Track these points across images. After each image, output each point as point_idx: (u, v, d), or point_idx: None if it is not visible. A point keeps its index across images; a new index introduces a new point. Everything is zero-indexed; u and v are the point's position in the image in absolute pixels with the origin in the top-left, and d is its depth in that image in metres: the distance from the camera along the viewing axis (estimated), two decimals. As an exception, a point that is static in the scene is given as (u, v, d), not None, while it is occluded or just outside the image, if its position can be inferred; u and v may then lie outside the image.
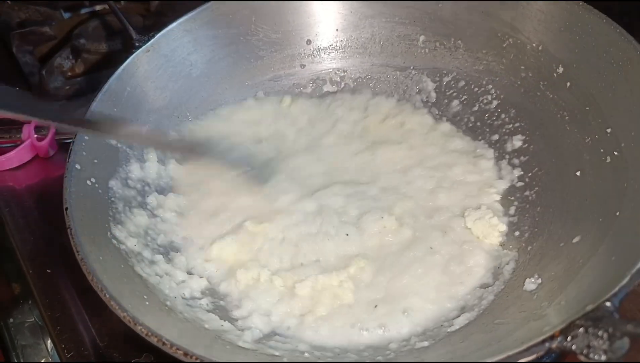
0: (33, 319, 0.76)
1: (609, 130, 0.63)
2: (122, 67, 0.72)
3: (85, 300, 0.69)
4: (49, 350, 0.73)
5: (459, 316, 0.59)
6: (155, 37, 0.76)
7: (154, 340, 0.47)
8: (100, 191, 0.64)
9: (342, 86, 0.88)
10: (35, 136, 0.87)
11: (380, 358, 0.56)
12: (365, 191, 0.73)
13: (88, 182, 0.63)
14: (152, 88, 0.76)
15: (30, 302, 0.76)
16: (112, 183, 0.67)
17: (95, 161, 0.65)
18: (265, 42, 0.85)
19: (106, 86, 0.70)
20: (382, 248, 0.67)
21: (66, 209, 0.57)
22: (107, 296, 0.50)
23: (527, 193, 0.70)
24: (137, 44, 0.75)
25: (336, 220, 0.69)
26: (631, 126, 0.60)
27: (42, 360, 0.72)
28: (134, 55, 0.74)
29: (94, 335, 0.65)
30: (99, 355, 0.64)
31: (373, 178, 0.75)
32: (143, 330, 0.48)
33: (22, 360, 0.71)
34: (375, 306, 0.61)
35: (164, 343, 0.46)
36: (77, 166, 0.62)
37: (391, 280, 0.64)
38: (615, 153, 0.61)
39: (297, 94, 0.87)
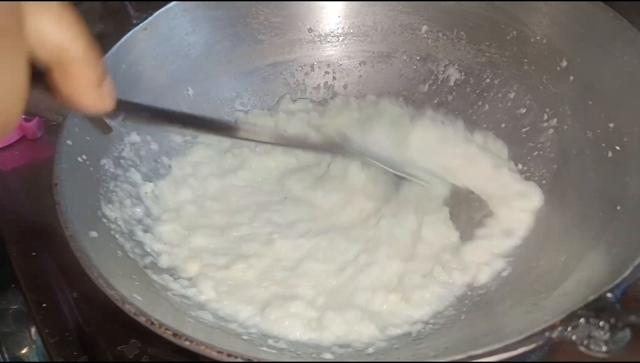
0: (17, 306, 0.75)
1: (611, 124, 0.62)
2: (118, 43, 0.70)
3: (71, 285, 0.67)
4: (33, 336, 0.71)
5: (455, 306, 0.58)
6: (154, 15, 0.74)
7: (142, 320, 0.45)
8: (91, 168, 0.63)
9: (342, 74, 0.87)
10: (23, 116, 0.84)
11: (371, 350, 0.55)
12: None
13: (79, 159, 0.61)
14: (149, 67, 0.74)
15: (13, 286, 0.74)
16: (104, 161, 0.65)
17: (88, 138, 0.63)
18: (266, 25, 0.83)
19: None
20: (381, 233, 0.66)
21: (55, 184, 0.56)
22: (95, 274, 0.48)
23: (526, 187, 0.69)
24: (134, 21, 0.73)
25: None
26: (634, 121, 0.59)
27: (25, 348, 0.70)
28: (131, 32, 0.72)
29: (80, 321, 0.64)
30: (84, 340, 0.62)
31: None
32: (131, 309, 0.46)
33: (3, 348, 0.69)
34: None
35: (152, 323, 0.45)
36: (69, 142, 0.60)
37: (390, 268, 0.62)
38: (617, 148, 0.60)
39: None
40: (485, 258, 0.62)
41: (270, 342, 0.55)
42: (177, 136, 0.76)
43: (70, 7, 0.33)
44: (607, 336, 0.39)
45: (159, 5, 0.76)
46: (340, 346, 0.56)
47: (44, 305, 0.65)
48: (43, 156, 0.82)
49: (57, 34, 0.32)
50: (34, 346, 0.71)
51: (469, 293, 0.61)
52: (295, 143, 0.71)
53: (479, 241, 0.64)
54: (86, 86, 0.34)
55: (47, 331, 0.63)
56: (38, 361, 0.70)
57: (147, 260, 0.60)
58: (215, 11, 0.80)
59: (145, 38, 0.74)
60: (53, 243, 0.69)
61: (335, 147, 0.70)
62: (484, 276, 0.61)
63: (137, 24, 0.73)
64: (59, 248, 0.53)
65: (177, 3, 0.76)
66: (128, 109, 0.44)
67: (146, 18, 0.74)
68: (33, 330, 0.71)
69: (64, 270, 0.68)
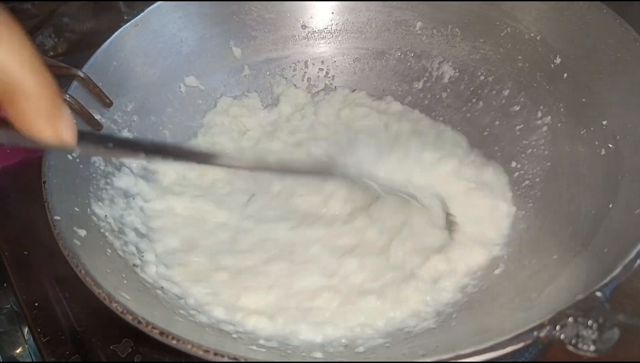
0: (9, 305, 0.74)
1: (604, 122, 0.61)
2: (109, 40, 0.70)
3: (64, 285, 0.66)
4: (25, 336, 0.71)
5: (445, 306, 0.58)
6: (145, 11, 0.74)
7: (129, 318, 0.45)
8: (81, 166, 0.62)
9: (336, 71, 0.87)
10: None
11: (361, 349, 0.55)
12: None
13: (69, 156, 0.61)
14: (140, 64, 0.74)
15: (5, 285, 0.73)
16: (95, 159, 0.65)
17: (78, 135, 0.63)
18: (259, 22, 0.83)
19: (92, 59, 0.68)
20: (372, 235, 0.66)
21: (44, 182, 0.55)
22: (83, 272, 0.48)
23: (520, 185, 0.69)
24: (125, 18, 0.73)
25: None
26: (627, 119, 0.59)
27: (19, 348, 0.70)
28: (122, 28, 0.71)
29: (72, 320, 0.63)
30: (76, 340, 0.62)
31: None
32: (119, 307, 0.46)
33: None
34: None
35: (139, 322, 0.45)
36: (58, 139, 0.60)
37: (383, 269, 0.62)
38: (610, 146, 0.60)
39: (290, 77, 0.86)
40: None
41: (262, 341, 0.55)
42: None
43: (30, 43, 0.34)
44: (595, 335, 0.38)
45: (150, 2, 0.75)
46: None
47: (36, 304, 0.65)
48: (35, 155, 0.81)
49: (12, 68, 0.33)
50: (26, 346, 0.71)
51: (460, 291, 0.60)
52: (279, 168, 0.61)
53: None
54: (36, 118, 0.35)
55: (39, 330, 0.62)
56: (31, 361, 0.69)
57: (137, 258, 0.60)
58: (208, 8, 0.80)
59: (137, 35, 0.73)
60: (45, 242, 0.69)
61: (322, 169, 0.64)
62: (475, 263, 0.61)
63: (128, 21, 0.73)
64: (50, 247, 0.52)
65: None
66: (90, 140, 0.41)
67: (137, 14, 0.74)
68: (26, 329, 0.71)
69: (55, 269, 0.67)
